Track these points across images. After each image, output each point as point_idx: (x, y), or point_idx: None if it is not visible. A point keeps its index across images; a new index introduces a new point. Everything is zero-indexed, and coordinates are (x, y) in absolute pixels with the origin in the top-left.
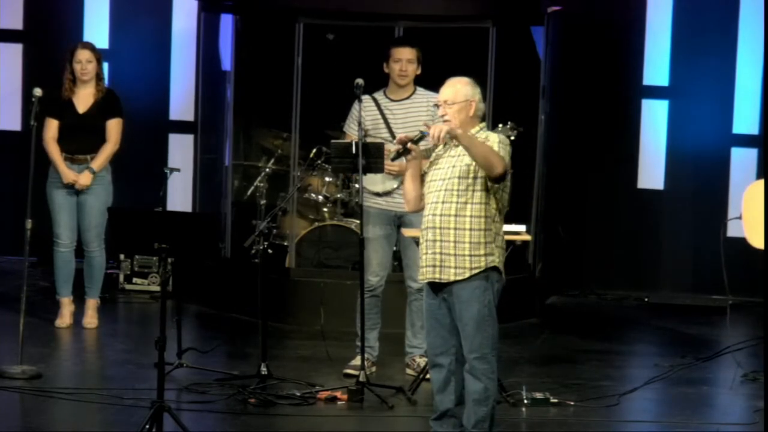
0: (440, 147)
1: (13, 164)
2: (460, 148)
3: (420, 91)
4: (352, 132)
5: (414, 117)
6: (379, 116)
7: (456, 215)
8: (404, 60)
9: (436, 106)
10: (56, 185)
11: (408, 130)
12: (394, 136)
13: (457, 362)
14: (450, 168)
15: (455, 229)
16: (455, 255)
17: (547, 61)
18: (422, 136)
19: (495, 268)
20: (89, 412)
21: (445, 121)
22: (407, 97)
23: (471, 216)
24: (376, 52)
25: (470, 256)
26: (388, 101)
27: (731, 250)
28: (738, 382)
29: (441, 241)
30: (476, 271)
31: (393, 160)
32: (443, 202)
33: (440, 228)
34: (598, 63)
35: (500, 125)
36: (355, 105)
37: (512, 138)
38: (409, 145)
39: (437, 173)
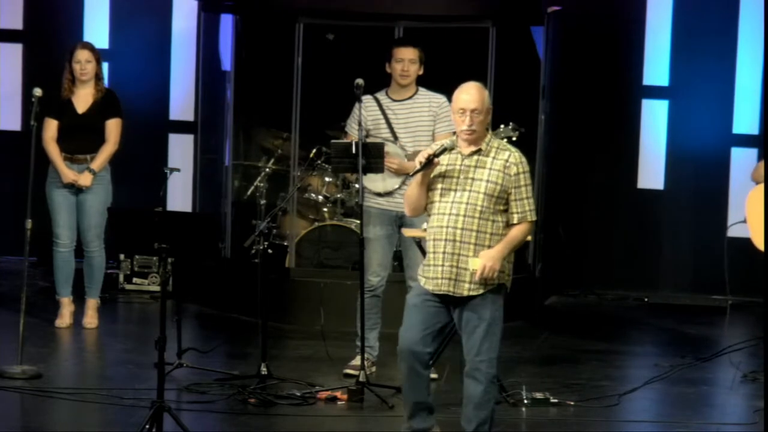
0: (452, 154)
1: (13, 164)
2: (475, 157)
3: (422, 91)
4: (353, 132)
5: (416, 117)
6: (381, 116)
7: (477, 231)
8: (406, 60)
9: (462, 111)
10: (56, 185)
11: (410, 131)
12: (395, 136)
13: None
14: (471, 180)
15: (475, 244)
16: (469, 270)
17: (547, 61)
18: (445, 149)
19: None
20: (89, 412)
21: (472, 130)
22: (409, 98)
23: (492, 233)
24: (376, 52)
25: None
26: (390, 101)
27: (731, 250)
28: (738, 382)
29: (459, 254)
30: (490, 287)
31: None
32: (465, 216)
33: (460, 242)
34: (598, 63)
35: (502, 126)
36: (356, 104)
37: (514, 139)
38: (434, 160)
39: (453, 182)
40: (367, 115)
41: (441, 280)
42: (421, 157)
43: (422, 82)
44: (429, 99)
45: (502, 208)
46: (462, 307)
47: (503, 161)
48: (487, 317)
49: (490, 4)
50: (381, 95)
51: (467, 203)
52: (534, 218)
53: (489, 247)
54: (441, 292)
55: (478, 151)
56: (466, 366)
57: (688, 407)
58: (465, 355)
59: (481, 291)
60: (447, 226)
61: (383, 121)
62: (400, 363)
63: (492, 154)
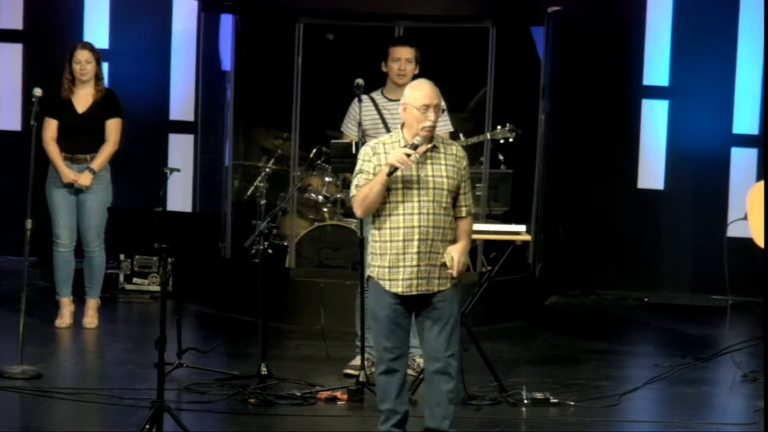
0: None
1: (13, 164)
2: (429, 154)
3: None
4: (350, 132)
5: None
6: (377, 116)
7: (443, 227)
8: (403, 59)
9: (426, 107)
10: (56, 185)
11: None
12: None
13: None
14: (432, 177)
15: (441, 241)
16: (438, 266)
17: (547, 61)
18: (417, 145)
19: None
20: (89, 412)
21: (434, 126)
22: None
23: (450, 228)
24: (376, 52)
25: (443, 266)
26: (386, 101)
27: (731, 250)
28: (738, 382)
29: (431, 252)
30: (453, 281)
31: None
32: (434, 214)
33: (432, 240)
34: (598, 63)
35: (498, 127)
36: (353, 105)
37: (511, 140)
38: (411, 157)
39: (413, 180)
40: (364, 115)
41: (418, 281)
42: (399, 157)
43: None
44: None
45: (453, 202)
46: (429, 305)
47: (454, 155)
48: (454, 312)
49: (490, 4)
50: (377, 95)
51: (434, 201)
52: (474, 211)
53: (450, 241)
54: (416, 293)
55: (432, 148)
56: (431, 365)
57: (688, 407)
58: (433, 352)
59: (448, 285)
60: (420, 226)
61: (380, 121)
62: (385, 374)
63: (442, 150)
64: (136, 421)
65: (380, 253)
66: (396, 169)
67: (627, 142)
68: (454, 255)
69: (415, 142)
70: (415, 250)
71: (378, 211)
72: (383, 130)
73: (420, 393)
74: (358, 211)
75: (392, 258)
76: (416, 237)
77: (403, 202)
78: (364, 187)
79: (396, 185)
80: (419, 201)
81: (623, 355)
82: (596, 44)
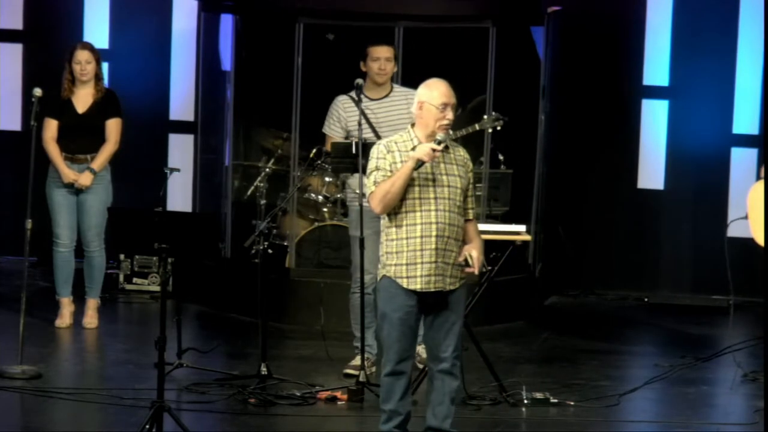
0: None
1: (13, 164)
2: (450, 154)
3: (397, 88)
4: (333, 133)
5: (396, 114)
6: (360, 116)
7: (457, 226)
8: (383, 58)
9: (445, 105)
10: (56, 185)
11: (390, 128)
12: (378, 135)
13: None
14: (445, 176)
15: (455, 239)
16: (452, 265)
17: (547, 61)
18: (441, 141)
19: None
20: (89, 412)
21: (447, 125)
22: (386, 96)
23: (461, 227)
24: None
25: (459, 265)
26: (368, 100)
27: (731, 249)
28: (738, 382)
29: (446, 250)
30: (462, 280)
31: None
32: (450, 212)
33: (448, 237)
34: (598, 63)
35: (485, 116)
36: (333, 105)
37: (498, 128)
38: (435, 152)
39: (429, 178)
40: (347, 116)
41: (435, 277)
42: (426, 151)
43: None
44: (405, 95)
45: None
46: (441, 304)
47: (462, 157)
48: (461, 313)
49: (490, 4)
50: (356, 95)
51: (448, 198)
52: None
53: (462, 240)
54: (433, 290)
55: (444, 148)
56: (437, 364)
57: (688, 407)
58: (439, 352)
59: (457, 285)
60: (437, 222)
61: (363, 120)
62: (391, 376)
63: (452, 151)
64: (136, 421)
65: (397, 252)
66: (423, 163)
67: (627, 142)
68: (473, 253)
69: (439, 138)
70: (433, 246)
71: (394, 209)
72: (368, 130)
73: (420, 392)
74: (377, 207)
75: (410, 255)
76: (434, 233)
77: (420, 199)
78: (384, 182)
79: (412, 183)
80: (436, 198)
81: (623, 355)
82: (596, 44)
